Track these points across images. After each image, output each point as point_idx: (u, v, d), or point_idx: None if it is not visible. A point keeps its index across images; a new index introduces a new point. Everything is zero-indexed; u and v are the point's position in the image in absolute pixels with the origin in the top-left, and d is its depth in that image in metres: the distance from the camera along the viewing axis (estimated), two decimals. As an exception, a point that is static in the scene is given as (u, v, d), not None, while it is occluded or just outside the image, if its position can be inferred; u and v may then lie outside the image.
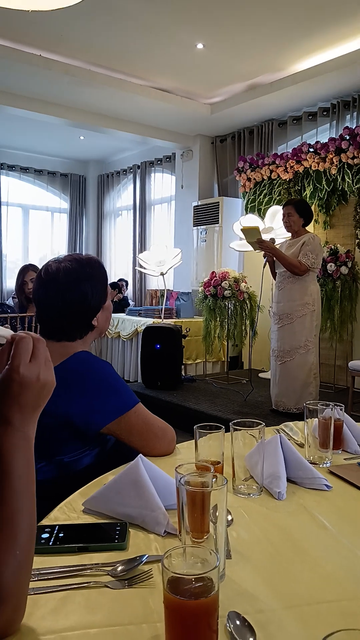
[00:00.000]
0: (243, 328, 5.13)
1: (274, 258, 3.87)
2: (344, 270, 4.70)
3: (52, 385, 0.67)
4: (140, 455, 1.00)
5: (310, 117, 5.70)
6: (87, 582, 0.72)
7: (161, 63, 5.04)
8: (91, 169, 9.08)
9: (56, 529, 0.86)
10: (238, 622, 0.63)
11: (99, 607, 0.67)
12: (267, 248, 3.86)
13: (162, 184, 7.81)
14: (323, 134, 5.55)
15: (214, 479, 0.76)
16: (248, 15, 4.12)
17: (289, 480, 1.08)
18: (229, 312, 5.08)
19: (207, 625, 0.56)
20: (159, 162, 7.76)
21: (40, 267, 1.32)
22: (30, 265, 3.97)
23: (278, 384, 3.86)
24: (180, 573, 0.57)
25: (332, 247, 4.80)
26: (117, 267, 8.78)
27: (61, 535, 0.84)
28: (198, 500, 0.73)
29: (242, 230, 4.23)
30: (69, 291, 1.23)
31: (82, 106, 5.96)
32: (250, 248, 4.16)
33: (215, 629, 0.57)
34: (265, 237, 4.55)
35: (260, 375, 5.45)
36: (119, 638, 0.62)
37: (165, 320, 5.44)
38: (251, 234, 3.91)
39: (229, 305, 5.08)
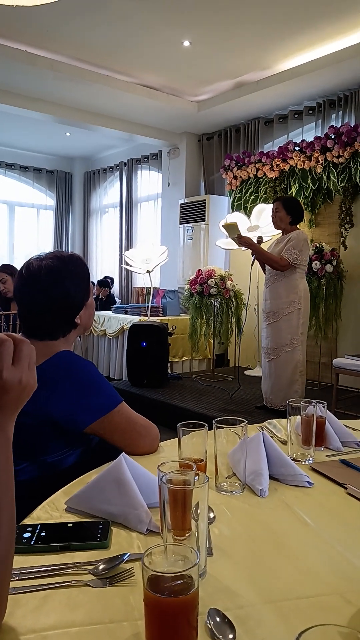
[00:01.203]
0: (229, 326, 5.16)
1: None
2: (329, 268, 4.74)
3: (33, 388, 0.68)
4: (123, 453, 1.00)
5: (296, 116, 5.73)
6: (68, 581, 0.72)
7: (148, 60, 5.02)
8: (77, 165, 9.03)
9: (38, 528, 0.85)
10: (218, 619, 0.64)
11: (80, 606, 0.67)
12: (245, 243, 3.88)
13: (148, 181, 7.79)
14: (309, 132, 5.58)
15: (196, 477, 0.77)
16: (235, 13, 4.12)
17: (271, 477, 1.09)
18: (215, 310, 5.09)
19: (187, 622, 0.57)
20: (145, 159, 7.74)
21: (18, 266, 1.30)
22: (2, 266, 3.89)
23: (267, 381, 3.88)
24: (160, 571, 0.57)
25: (318, 245, 4.83)
26: (104, 265, 8.75)
27: (43, 534, 0.84)
28: (180, 498, 0.73)
29: (223, 227, 4.26)
30: (51, 289, 1.22)
31: (68, 102, 5.93)
32: (236, 245, 4.17)
33: (195, 625, 0.58)
34: (253, 235, 4.58)
35: (247, 372, 5.48)
36: (100, 636, 0.62)
37: (151, 318, 5.44)
38: (231, 230, 3.94)
39: (215, 303, 5.09)
